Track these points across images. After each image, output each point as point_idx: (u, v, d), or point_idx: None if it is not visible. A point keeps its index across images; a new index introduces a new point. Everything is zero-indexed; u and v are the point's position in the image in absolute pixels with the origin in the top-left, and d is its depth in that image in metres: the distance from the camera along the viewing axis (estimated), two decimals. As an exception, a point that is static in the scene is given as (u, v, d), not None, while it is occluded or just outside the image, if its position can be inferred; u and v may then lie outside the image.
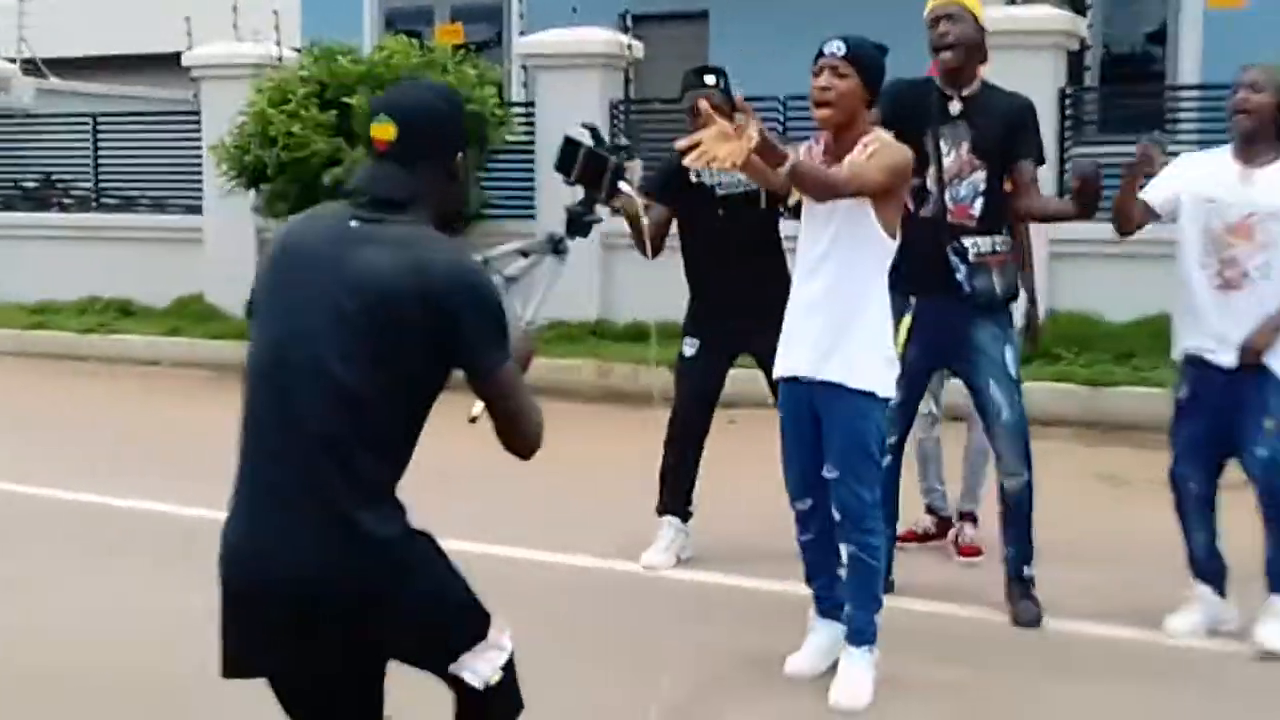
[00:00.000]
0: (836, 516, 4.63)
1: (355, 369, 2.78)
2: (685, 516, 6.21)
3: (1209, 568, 5.21)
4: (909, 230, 4.77)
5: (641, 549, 6.14)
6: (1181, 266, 5.09)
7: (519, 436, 2.96)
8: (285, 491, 2.80)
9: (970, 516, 6.29)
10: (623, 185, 3.58)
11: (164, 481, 7.51)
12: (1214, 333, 5.01)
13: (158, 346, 12.35)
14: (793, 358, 4.69)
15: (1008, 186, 5.35)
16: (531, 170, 11.68)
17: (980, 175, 5.32)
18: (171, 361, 12.15)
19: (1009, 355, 5.31)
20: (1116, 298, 9.56)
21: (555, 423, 7.53)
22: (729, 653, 5.08)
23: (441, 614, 2.96)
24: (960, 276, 5.26)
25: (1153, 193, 5.14)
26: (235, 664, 2.90)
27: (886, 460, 5.05)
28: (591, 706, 4.58)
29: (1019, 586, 5.42)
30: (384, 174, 2.93)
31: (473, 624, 3.00)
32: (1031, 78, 10.12)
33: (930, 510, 6.44)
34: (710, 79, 5.93)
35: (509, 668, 3.04)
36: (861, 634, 4.65)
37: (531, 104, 12.27)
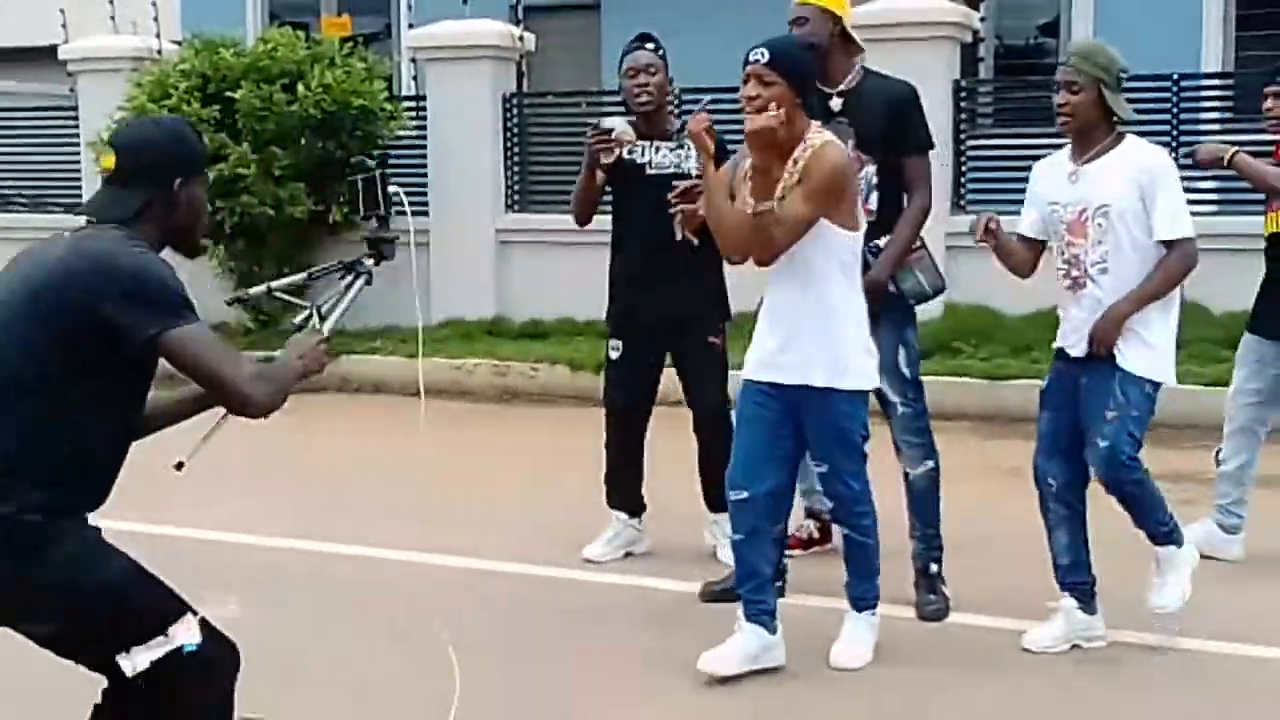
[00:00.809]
0: (828, 504, 5.06)
1: (24, 352, 3.09)
2: (635, 512, 6.14)
3: (1071, 575, 5.05)
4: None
5: (542, 547, 6.12)
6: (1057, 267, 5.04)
7: (226, 395, 3.20)
8: None
9: (811, 512, 6.16)
10: (391, 188, 4.03)
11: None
12: (1071, 328, 4.94)
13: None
14: (773, 364, 4.76)
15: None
16: (424, 165, 11.47)
17: (870, 170, 5.28)
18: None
19: (902, 355, 5.34)
20: (1014, 291, 9.44)
21: (453, 422, 7.44)
22: (626, 652, 5.03)
23: (77, 604, 3.12)
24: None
25: (1024, 223, 5.10)
26: None
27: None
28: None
29: (925, 580, 5.45)
30: (103, 196, 3.30)
31: (130, 621, 3.17)
32: (925, 70, 10.11)
33: (811, 514, 6.19)
34: (650, 45, 5.88)
35: (173, 660, 3.17)
36: (863, 599, 4.94)
37: (423, 98, 12.05)
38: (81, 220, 3.31)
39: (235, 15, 14.67)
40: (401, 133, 11.52)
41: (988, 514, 6.56)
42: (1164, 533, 4.97)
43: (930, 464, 5.43)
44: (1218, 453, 6.12)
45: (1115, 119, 4.84)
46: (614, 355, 6.01)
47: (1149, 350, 4.83)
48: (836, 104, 5.29)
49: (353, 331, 11.32)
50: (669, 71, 5.91)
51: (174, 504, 7.01)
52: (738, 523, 4.87)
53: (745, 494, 4.81)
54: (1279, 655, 4.97)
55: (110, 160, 3.28)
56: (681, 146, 5.77)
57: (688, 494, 6.13)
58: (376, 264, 3.80)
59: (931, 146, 5.49)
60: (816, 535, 6.22)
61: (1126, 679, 4.82)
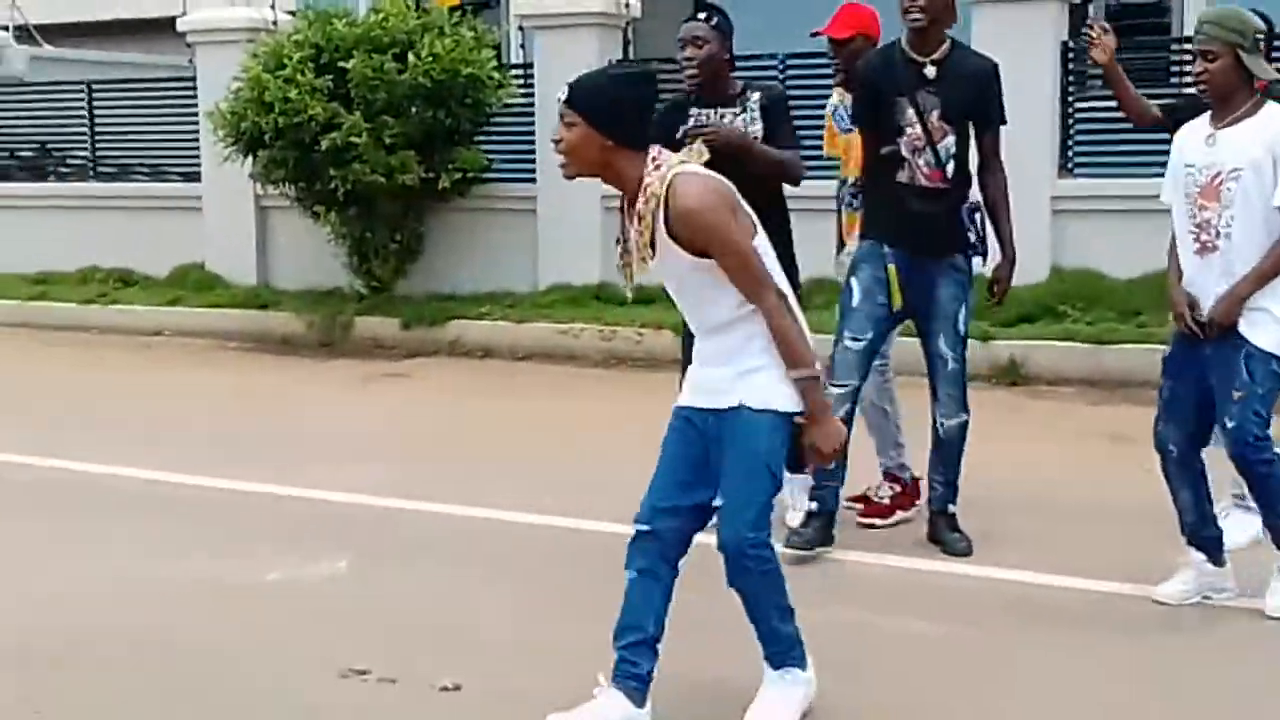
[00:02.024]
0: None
1: None
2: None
3: (1198, 532, 5.10)
4: (888, 188, 5.44)
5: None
6: (1176, 232, 5.05)
7: None
8: None
9: (892, 476, 6.22)
10: None
11: (174, 451, 7.52)
12: (1202, 296, 4.92)
13: (159, 316, 12.30)
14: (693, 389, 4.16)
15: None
16: (532, 133, 11.60)
17: (950, 140, 5.61)
18: (174, 330, 12.11)
19: (962, 313, 5.71)
20: (1121, 255, 9.48)
21: (560, 387, 7.55)
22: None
23: None
24: (973, 238, 5.67)
25: (1167, 192, 5.08)
26: None
27: (846, 407, 5.47)
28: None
29: (946, 520, 5.76)
30: None
31: None
32: (1033, 30, 10.09)
33: (889, 476, 6.24)
34: (703, 15, 5.94)
35: None
36: (774, 659, 4.19)
37: (530, 66, 12.17)
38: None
39: (348, -14, 14.89)
40: (510, 101, 11.64)
41: (1086, 478, 6.58)
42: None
43: (966, 416, 5.73)
44: None
45: (1258, 82, 4.85)
46: None
47: (1276, 325, 4.83)
48: (931, 72, 5.56)
49: (462, 295, 11.53)
50: (728, 40, 5.90)
51: (298, 466, 7.27)
52: (630, 558, 4.16)
53: (648, 527, 4.12)
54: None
55: None
56: (745, 111, 5.86)
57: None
58: None
59: (1005, 122, 5.81)
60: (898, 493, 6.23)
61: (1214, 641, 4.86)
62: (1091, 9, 12.11)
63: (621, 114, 3.94)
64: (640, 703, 4.09)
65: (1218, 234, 4.84)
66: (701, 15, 5.96)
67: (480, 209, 11.84)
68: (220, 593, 5.46)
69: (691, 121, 5.86)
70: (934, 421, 5.76)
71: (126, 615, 5.18)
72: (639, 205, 3.92)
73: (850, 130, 6.10)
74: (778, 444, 4.01)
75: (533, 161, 11.55)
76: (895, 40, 5.74)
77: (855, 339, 5.62)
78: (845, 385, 5.57)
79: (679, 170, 3.92)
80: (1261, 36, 4.88)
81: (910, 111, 5.53)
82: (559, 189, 11.24)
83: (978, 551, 5.66)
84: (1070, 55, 10.35)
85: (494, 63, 11.54)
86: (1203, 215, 4.88)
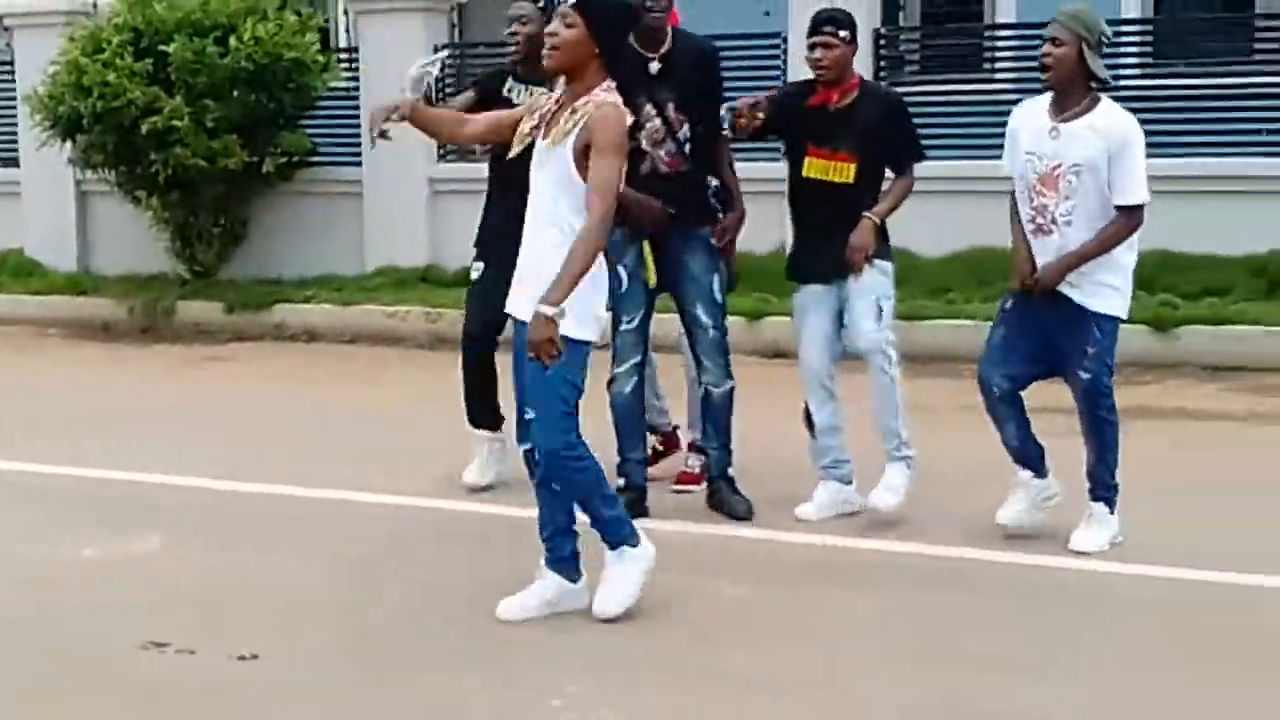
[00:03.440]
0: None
1: None
2: (496, 425, 6.41)
3: (1024, 451, 5.56)
4: (632, 181, 5.37)
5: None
6: (1019, 207, 5.47)
7: None
8: None
9: (696, 447, 6.42)
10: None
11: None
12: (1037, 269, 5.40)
13: (-24, 302, 12.07)
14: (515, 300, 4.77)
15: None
16: (357, 117, 11.58)
17: (687, 127, 5.89)
18: (-8, 318, 11.89)
19: (716, 282, 5.96)
20: (930, 234, 9.79)
21: (388, 368, 7.62)
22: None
23: None
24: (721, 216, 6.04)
25: (1009, 161, 5.49)
26: None
27: (634, 381, 5.90)
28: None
29: (726, 483, 6.04)
30: None
31: None
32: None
33: (651, 429, 6.50)
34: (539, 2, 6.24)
35: None
36: (611, 540, 4.79)
37: (355, 50, 12.16)
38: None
39: (171, -31, 14.67)
40: (335, 85, 11.62)
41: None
42: (1108, 485, 5.46)
43: (732, 382, 5.99)
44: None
45: (1093, 81, 5.25)
46: (474, 275, 6.36)
47: (1116, 292, 5.35)
48: (655, 67, 5.79)
49: (288, 280, 11.49)
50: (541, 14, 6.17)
51: (117, 449, 7.24)
52: (531, 470, 4.87)
53: (526, 446, 4.82)
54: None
55: None
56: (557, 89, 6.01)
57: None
58: None
59: (723, 100, 6.01)
60: (660, 448, 6.63)
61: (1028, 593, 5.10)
62: (905, -3, 12.47)
63: (616, 34, 4.63)
64: (573, 577, 4.81)
65: (1054, 220, 5.28)
66: (539, 3, 6.19)
67: (305, 193, 11.81)
68: (33, 568, 5.45)
69: (506, 91, 6.13)
70: (702, 389, 6.03)
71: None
72: (577, 104, 4.54)
73: None
74: (575, 363, 4.55)
75: (358, 145, 11.52)
76: None
77: (629, 320, 5.92)
78: (627, 362, 5.94)
79: (616, 101, 4.56)
80: (1105, 40, 5.31)
81: (648, 108, 5.74)
82: (385, 172, 11.31)
83: (779, 516, 5.87)
84: (882, 43, 10.65)
85: (318, 47, 11.51)
86: (1040, 200, 5.30)
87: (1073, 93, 5.26)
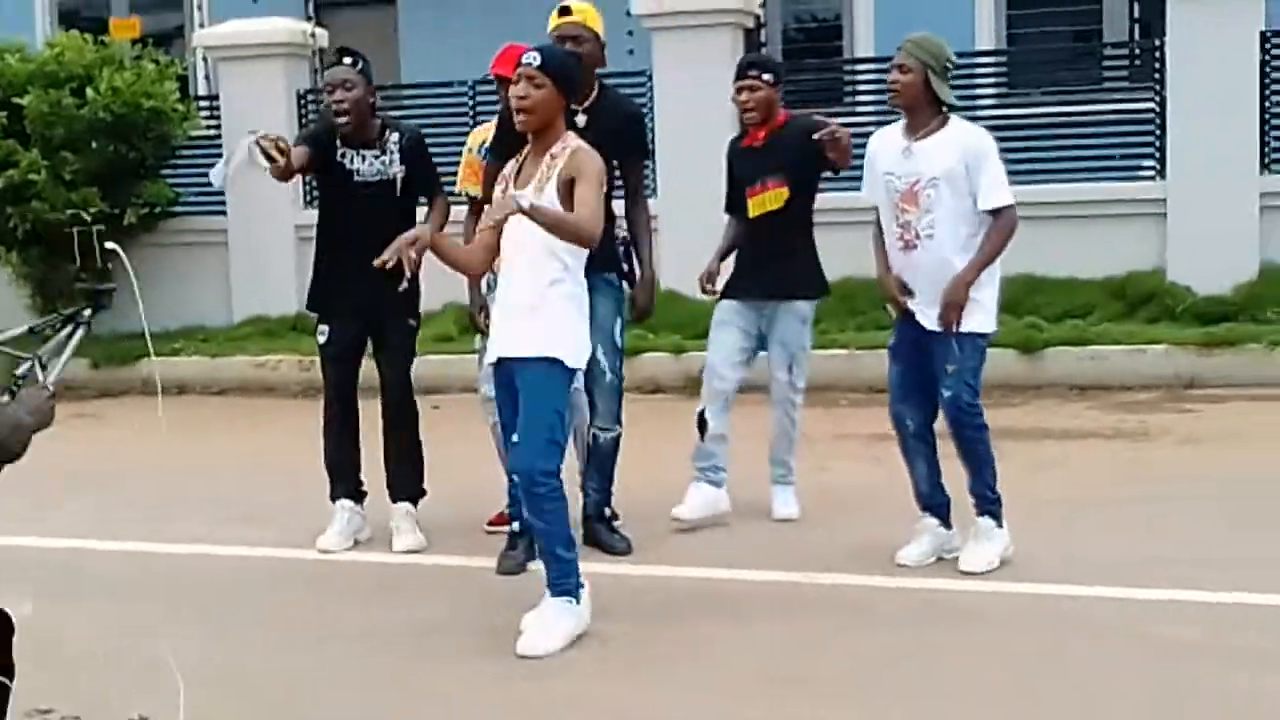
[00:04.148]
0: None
1: None
2: (359, 498, 6.31)
3: (932, 499, 5.65)
4: None
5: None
6: (884, 228, 5.61)
7: None
8: None
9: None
10: (108, 244, 3.78)
11: None
12: (909, 283, 5.51)
13: None
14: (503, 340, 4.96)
15: None
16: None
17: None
18: None
19: (618, 326, 5.96)
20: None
21: (259, 418, 7.54)
22: (408, 626, 5.17)
23: None
24: (626, 268, 6.01)
25: (869, 191, 5.65)
26: None
27: None
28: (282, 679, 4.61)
29: (604, 524, 6.04)
30: None
31: None
32: (709, 56, 10.47)
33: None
34: (349, 60, 6.05)
35: None
36: (555, 585, 4.88)
37: (215, 97, 12.03)
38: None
39: (24, 20, 14.45)
40: (196, 133, 11.49)
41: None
42: (990, 499, 5.55)
43: (619, 430, 6.02)
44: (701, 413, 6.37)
45: (941, 103, 5.43)
46: (322, 340, 6.25)
47: (978, 307, 5.43)
48: (581, 120, 5.64)
49: (154, 333, 11.29)
50: (371, 83, 6.07)
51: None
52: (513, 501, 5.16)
53: (514, 477, 5.06)
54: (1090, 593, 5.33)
55: None
56: (385, 153, 6.06)
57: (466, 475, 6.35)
58: (94, 315, 3.74)
59: (648, 157, 6.29)
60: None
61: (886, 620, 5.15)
62: (765, 33, 12.64)
63: (574, 85, 4.95)
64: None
65: (917, 235, 5.43)
66: (348, 60, 6.05)
67: (169, 243, 11.65)
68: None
69: (339, 158, 6.02)
70: (590, 434, 6.01)
71: None
72: (553, 151, 4.81)
73: None
74: (562, 391, 4.83)
75: (222, 194, 11.40)
76: None
77: None
78: None
79: (586, 145, 4.89)
80: (950, 66, 5.47)
81: None
82: (250, 221, 11.20)
83: (657, 551, 5.89)
84: (746, 77, 10.76)
85: (178, 95, 11.38)
86: (905, 217, 5.47)
87: (922, 115, 5.43)
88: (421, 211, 6.11)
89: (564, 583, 4.86)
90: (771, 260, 6.12)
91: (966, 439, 5.51)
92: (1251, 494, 6.48)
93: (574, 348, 4.84)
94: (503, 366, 4.94)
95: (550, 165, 4.82)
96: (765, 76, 6.11)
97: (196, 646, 5.12)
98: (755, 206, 6.18)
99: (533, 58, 4.81)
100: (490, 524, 6.34)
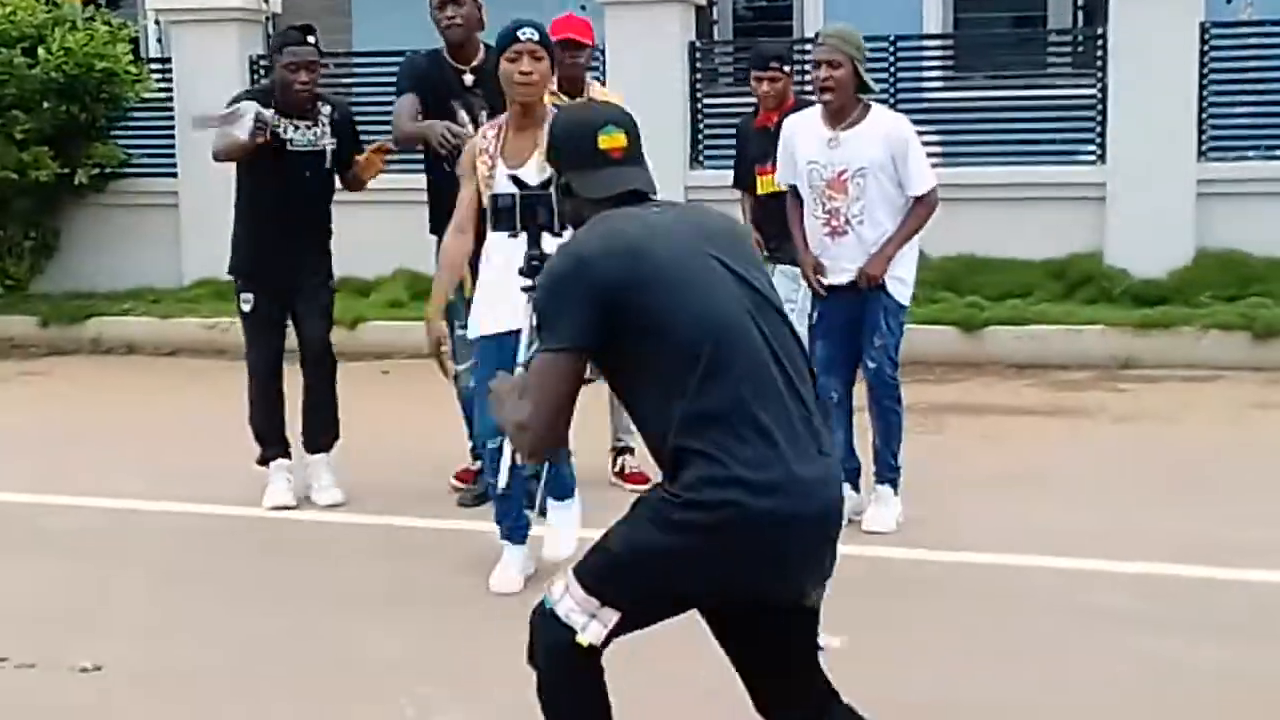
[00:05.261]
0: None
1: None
2: (289, 457, 6.46)
3: (847, 464, 5.65)
4: (447, 181, 5.64)
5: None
6: (806, 213, 5.81)
7: None
8: None
9: (627, 449, 6.62)
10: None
11: None
12: (837, 267, 5.76)
13: None
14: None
15: None
16: (172, 127, 11.46)
17: None
18: None
19: None
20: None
21: (205, 381, 7.59)
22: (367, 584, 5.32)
23: None
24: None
25: (785, 174, 5.89)
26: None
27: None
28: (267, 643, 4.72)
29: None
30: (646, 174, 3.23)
31: None
32: (663, 32, 10.58)
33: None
34: (313, 40, 6.19)
35: None
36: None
37: (168, 60, 12.01)
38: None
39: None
40: (148, 95, 11.48)
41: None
42: (893, 467, 5.80)
43: None
44: None
45: (863, 91, 5.67)
46: (247, 308, 6.36)
47: (900, 283, 5.73)
48: (469, 79, 6.06)
49: (103, 292, 11.31)
50: (320, 58, 6.28)
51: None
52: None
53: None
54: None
55: (622, 139, 3.17)
56: (317, 125, 6.21)
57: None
58: None
59: None
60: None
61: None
62: (716, 11, 12.75)
63: (554, 54, 5.18)
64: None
65: (847, 221, 5.66)
66: (312, 40, 6.18)
67: (120, 204, 11.64)
68: None
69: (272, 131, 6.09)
70: None
71: None
72: (546, 127, 4.72)
73: None
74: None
75: (173, 155, 11.42)
76: (437, 50, 6.23)
77: (462, 325, 5.95)
78: (465, 363, 5.94)
79: None
80: (865, 54, 5.70)
81: (462, 113, 5.98)
82: (201, 182, 11.15)
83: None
84: (698, 55, 10.90)
85: (130, 57, 11.36)
86: (831, 204, 5.68)
87: (849, 106, 5.65)
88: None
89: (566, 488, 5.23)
90: (779, 233, 6.24)
91: (885, 409, 5.79)
92: (1182, 470, 6.70)
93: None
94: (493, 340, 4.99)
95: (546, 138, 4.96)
96: (785, 68, 6.60)
97: (143, 600, 5.24)
98: (764, 185, 6.51)
99: (533, 33, 5.02)
100: (630, 482, 6.48)
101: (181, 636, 4.86)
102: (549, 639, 2.97)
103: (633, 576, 2.94)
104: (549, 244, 4.37)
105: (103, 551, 5.87)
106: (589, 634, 2.91)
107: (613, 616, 2.92)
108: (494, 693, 4.27)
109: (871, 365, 5.75)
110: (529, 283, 4.12)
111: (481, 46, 6.12)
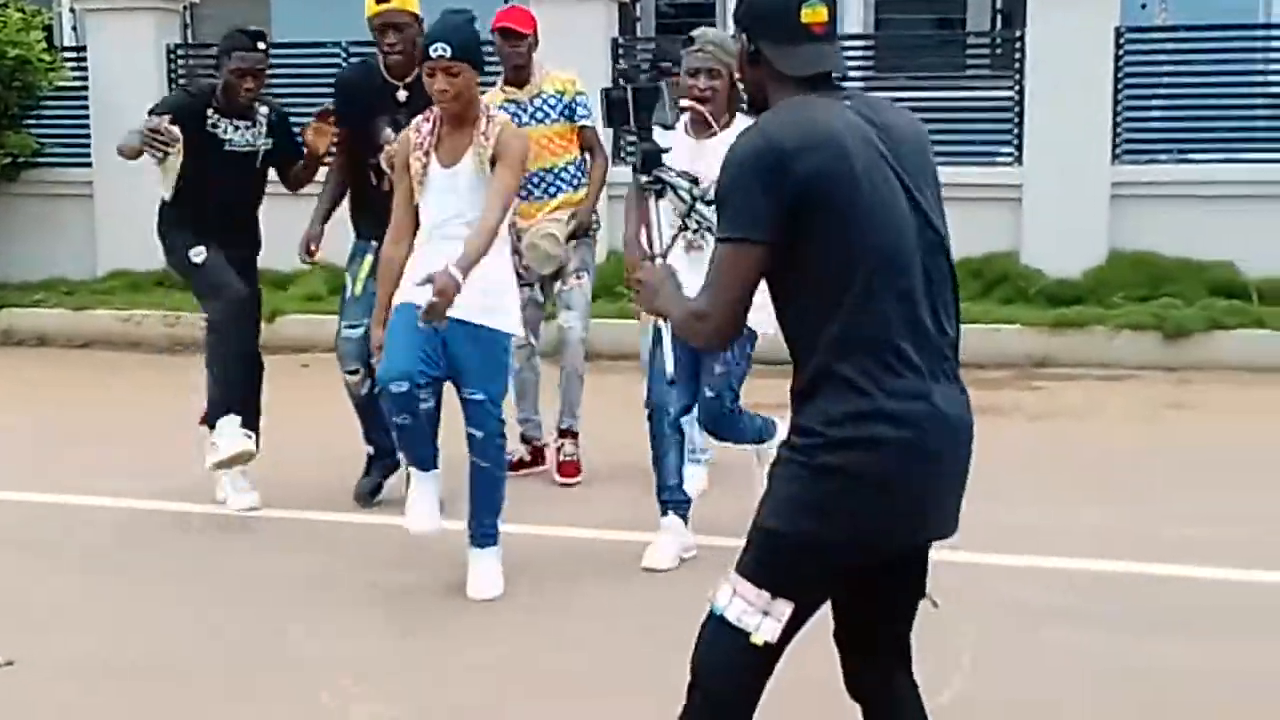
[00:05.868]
0: (477, 434, 5.04)
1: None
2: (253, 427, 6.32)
3: (675, 498, 5.46)
4: (371, 193, 5.84)
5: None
6: (665, 225, 5.48)
7: None
8: None
9: (571, 434, 6.61)
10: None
11: None
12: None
13: None
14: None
15: None
16: (86, 115, 11.30)
17: None
18: None
19: None
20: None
21: (120, 373, 7.49)
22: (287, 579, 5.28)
23: None
24: None
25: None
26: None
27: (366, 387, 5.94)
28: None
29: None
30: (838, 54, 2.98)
31: None
32: (586, 28, 10.58)
33: (525, 439, 6.71)
34: (263, 46, 6.12)
35: None
36: (489, 536, 5.12)
37: (83, 48, 11.84)
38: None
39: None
40: (62, 84, 11.31)
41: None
42: (749, 439, 5.62)
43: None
44: None
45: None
46: (199, 260, 6.14)
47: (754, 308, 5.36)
48: (403, 95, 5.93)
49: (14, 283, 11.14)
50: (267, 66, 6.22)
51: None
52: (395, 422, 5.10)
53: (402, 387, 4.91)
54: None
55: (824, 14, 2.90)
56: (255, 125, 6.19)
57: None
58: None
59: None
60: (528, 459, 6.72)
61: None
62: (639, 8, 12.77)
63: (480, 50, 5.01)
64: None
65: (704, 236, 5.23)
66: (261, 46, 6.10)
67: (32, 194, 11.47)
68: None
69: (210, 127, 6.05)
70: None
71: None
72: (485, 129, 4.99)
73: None
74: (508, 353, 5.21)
75: (88, 145, 11.26)
76: (370, 60, 6.16)
77: (352, 327, 6.01)
78: (356, 370, 6.05)
79: (507, 117, 5.22)
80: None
81: (388, 130, 5.77)
82: (117, 173, 10.99)
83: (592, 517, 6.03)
84: (620, 51, 10.90)
85: (44, 45, 11.19)
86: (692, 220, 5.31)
87: (723, 116, 5.34)
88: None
89: (494, 535, 5.19)
90: None
91: (723, 436, 5.53)
92: (1099, 468, 6.79)
93: (513, 318, 5.15)
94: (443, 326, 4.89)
95: (485, 146, 4.97)
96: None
97: (67, 595, 5.17)
98: None
99: (444, 49, 4.86)
100: (562, 474, 6.55)
101: (104, 631, 4.78)
102: (723, 646, 2.82)
103: (791, 544, 2.79)
104: (661, 138, 4.16)
105: (29, 546, 5.79)
106: (764, 632, 2.79)
107: (785, 609, 2.80)
108: (413, 685, 4.27)
109: (709, 394, 5.34)
110: (648, 178, 3.90)
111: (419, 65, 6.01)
